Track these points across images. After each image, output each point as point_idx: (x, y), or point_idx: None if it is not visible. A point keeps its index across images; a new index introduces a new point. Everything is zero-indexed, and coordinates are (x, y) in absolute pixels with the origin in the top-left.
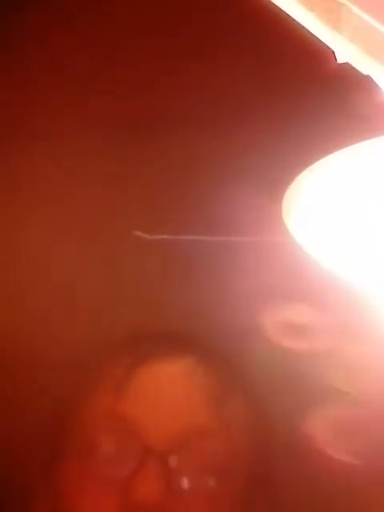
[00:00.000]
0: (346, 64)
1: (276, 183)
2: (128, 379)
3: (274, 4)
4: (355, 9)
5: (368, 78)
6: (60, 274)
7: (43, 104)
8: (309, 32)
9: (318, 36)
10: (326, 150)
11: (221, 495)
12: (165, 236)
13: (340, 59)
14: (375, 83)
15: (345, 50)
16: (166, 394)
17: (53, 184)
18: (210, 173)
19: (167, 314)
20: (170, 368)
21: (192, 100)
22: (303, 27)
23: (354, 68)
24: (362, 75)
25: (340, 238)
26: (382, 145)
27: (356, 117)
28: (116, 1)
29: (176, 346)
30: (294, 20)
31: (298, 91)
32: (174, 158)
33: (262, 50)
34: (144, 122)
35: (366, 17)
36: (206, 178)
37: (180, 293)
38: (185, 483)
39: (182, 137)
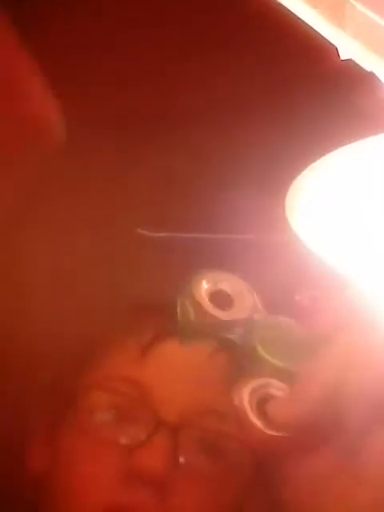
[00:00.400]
0: (350, 60)
1: (279, 181)
2: (151, 348)
3: (277, 1)
4: (359, 6)
5: (371, 75)
6: (61, 271)
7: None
8: (312, 28)
9: (322, 32)
10: (329, 147)
11: (225, 480)
12: (166, 233)
13: (343, 56)
14: (379, 79)
15: (348, 47)
16: (187, 369)
17: (54, 181)
18: (212, 171)
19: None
20: (196, 346)
21: (194, 97)
22: (307, 24)
23: (357, 64)
24: (366, 71)
25: (343, 234)
26: None
27: (359, 113)
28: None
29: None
30: (297, 17)
31: (301, 88)
32: (175, 157)
33: (266, 47)
34: (146, 121)
35: (369, 13)
36: (208, 176)
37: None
38: (190, 461)
39: (183, 135)
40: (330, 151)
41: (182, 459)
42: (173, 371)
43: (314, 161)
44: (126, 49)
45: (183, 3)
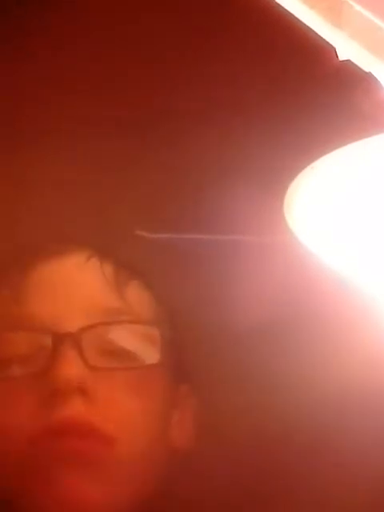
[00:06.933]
0: (348, 61)
1: (278, 181)
2: (22, 282)
3: (275, 2)
4: (356, 6)
5: (369, 75)
6: None
7: (45, 100)
8: (310, 29)
9: (320, 33)
10: (328, 148)
11: (143, 374)
12: (165, 235)
13: (341, 56)
14: (377, 80)
15: (346, 48)
16: (64, 285)
17: (52, 181)
18: (211, 171)
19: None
20: (65, 262)
21: (194, 98)
22: (304, 24)
23: (355, 65)
24: (364, 72)
25: (342, 235)
26: None
27: (357, 114)
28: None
29: (68, 245)
30: (295, 17)
31: (299, 88)
32: (175, 156)
33: (263, 48)
34: (144, 121)
35: (367, 14)
36: (207, 177)
37: (180, 290)
38: (103, 361)
39: (183, 134)
40: (329, 151)
41: (92, 362)
42: (53, 291)
43: (313, 161)
44: (127, 56)
45: (182, 4)
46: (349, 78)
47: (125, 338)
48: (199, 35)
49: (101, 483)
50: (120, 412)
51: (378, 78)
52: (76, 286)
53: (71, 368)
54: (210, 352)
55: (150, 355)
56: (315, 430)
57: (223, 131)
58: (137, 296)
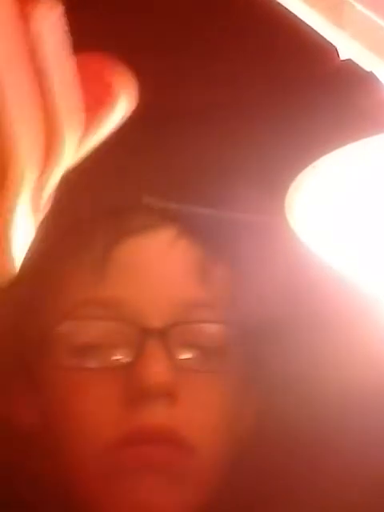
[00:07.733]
0: (349, 61)
1: (278, 181)
2: (106, 260)
3: (275, 1)
4: (358, 5)
5: (371, 75)
6: None
7: None
8: (311, 29)
9: (321, 33)
10: (329, 147)
11: (223, 372)
12: (175, 204)
13: (343, 56)
14: (378, 80)
15: (347, 47)
16: (150, 268)
17: None
18: (211, 171)
19: None
20: (151, 241)
21: (194, 98)
22: (305, 24)
23: (356, 65)
24: (365, 72)
25: (342, 235)
26: None
27: (359, 113)
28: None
29: (155, 218)
30: (296, 17)
31: (300, 88)
32: (175, 155)
33: (264, 47)
34: (144, 120)
35: (368, 13)
36: (207, 176)
37: None
38: (190, 362)
39: (183, 134)
40: (330, 151)
41: (179, 363)
42: (138, 275)
43: (314, 160)
44: (132, 54)
45: (184, 3)
46: (350, 77)
47: (211, 335)
48: (200, 35)
49: (178, 491)
50: (203, 417)
51: (379, 78)
52: (164, 270)
53: (160, 370)
54: None
55: (233, 355)
56: (315, 430)
57: (223, 131)
58: (221, 283)
